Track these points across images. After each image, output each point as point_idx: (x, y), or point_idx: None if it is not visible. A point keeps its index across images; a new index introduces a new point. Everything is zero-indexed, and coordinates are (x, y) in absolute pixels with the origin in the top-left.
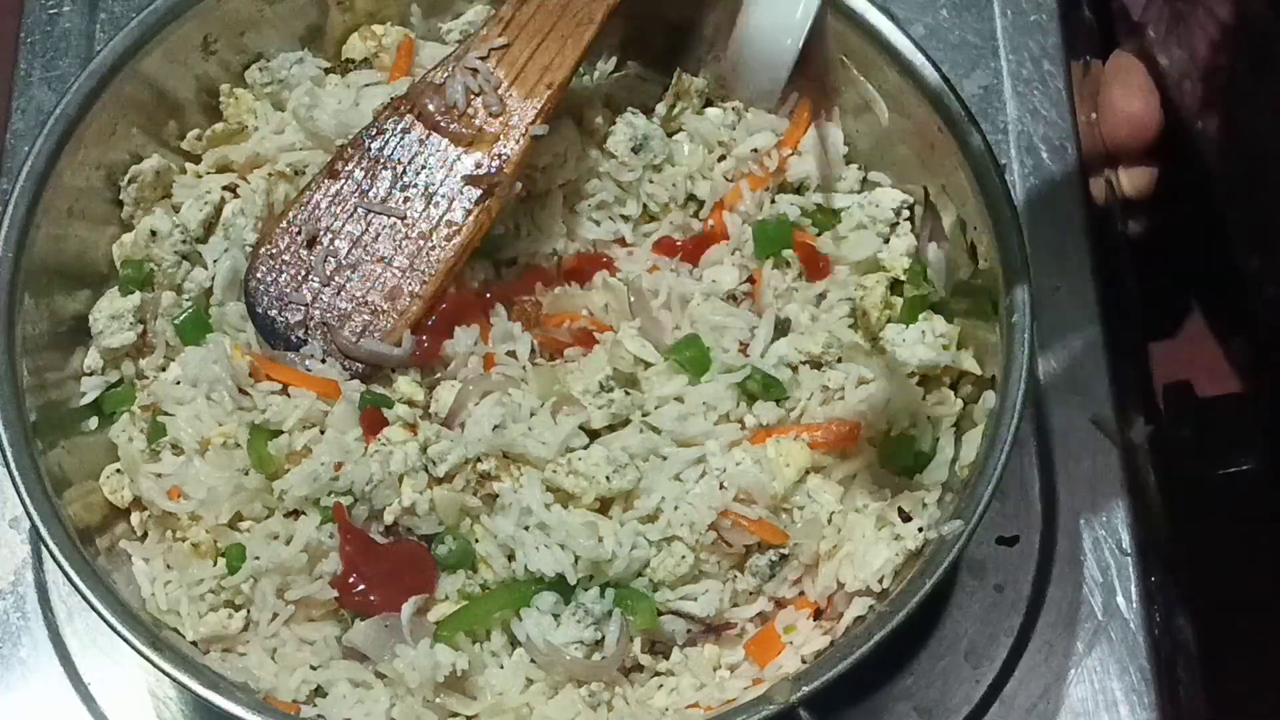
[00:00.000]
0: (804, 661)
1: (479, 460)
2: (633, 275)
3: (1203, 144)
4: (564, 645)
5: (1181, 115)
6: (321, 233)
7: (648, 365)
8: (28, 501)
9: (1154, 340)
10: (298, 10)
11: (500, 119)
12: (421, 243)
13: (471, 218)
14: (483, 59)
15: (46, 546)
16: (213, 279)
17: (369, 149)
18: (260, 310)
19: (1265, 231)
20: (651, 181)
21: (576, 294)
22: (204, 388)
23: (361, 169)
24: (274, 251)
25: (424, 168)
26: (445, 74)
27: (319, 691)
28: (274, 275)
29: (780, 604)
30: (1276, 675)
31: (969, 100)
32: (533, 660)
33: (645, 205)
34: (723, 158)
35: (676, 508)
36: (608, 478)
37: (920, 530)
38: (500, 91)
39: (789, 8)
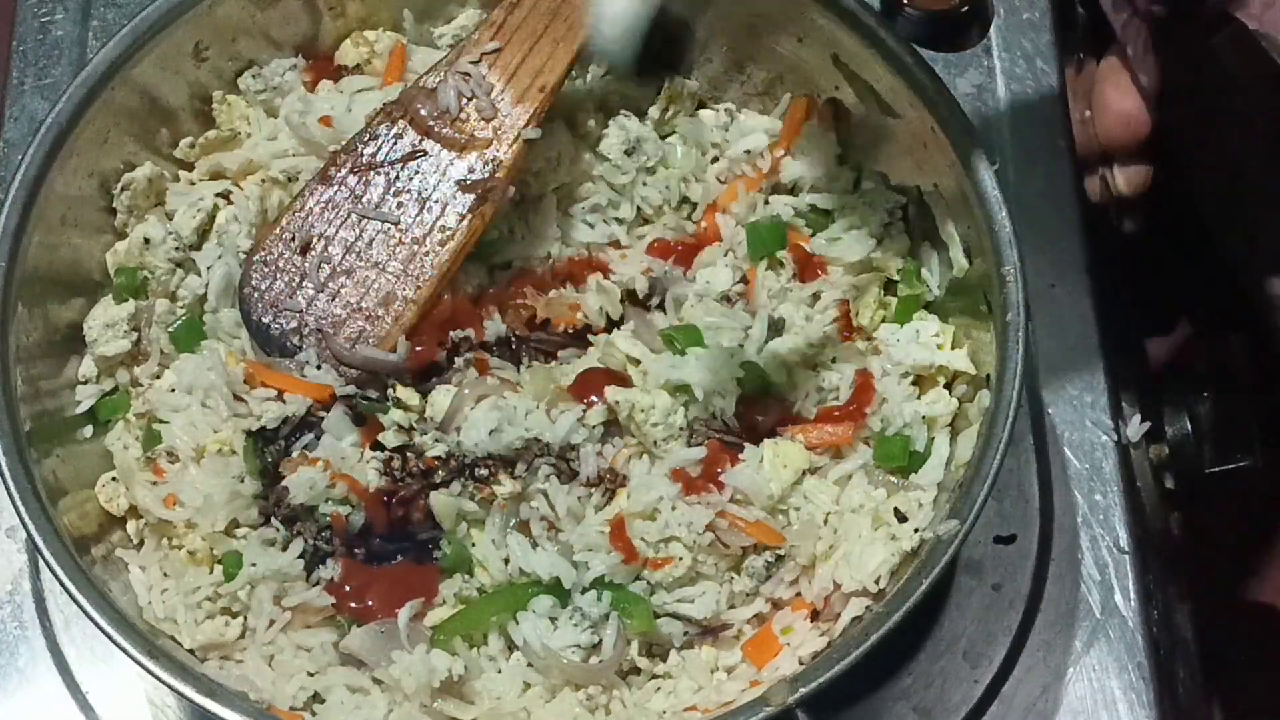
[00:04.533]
0: (801, 663)
1: (476, 465)
2: (627, 278)
3: (1181, 159)
4: (561, 649)
5: (1161, 131)
6: (315, 239)
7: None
8: (23, 511)
9: (1150, 337)
10: (290, 16)
11: (493, 123)
12: (415, 248)
13: (465, 222)
14: (475, 63)
15: (42, 556)
16: (207, 286)
17: (362, 155)
18: (255, 317)
19: (1251, 240)
20: (645, 184)
21: (571, 297)
22: (199, 395)
23: (355, 175)
24: (268, 258)
25: (417, 173)
26: (437, 79)
27: (316, 698)
28: (268, 282)
29: (777, 605)
30: (1276, 673)
31: (962, 99)
32: (530, 664)
33: (639, 208)
34: (716, 159)
35: (674, 508)
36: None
37: (916, 530)
38: (493, 96)
39: None
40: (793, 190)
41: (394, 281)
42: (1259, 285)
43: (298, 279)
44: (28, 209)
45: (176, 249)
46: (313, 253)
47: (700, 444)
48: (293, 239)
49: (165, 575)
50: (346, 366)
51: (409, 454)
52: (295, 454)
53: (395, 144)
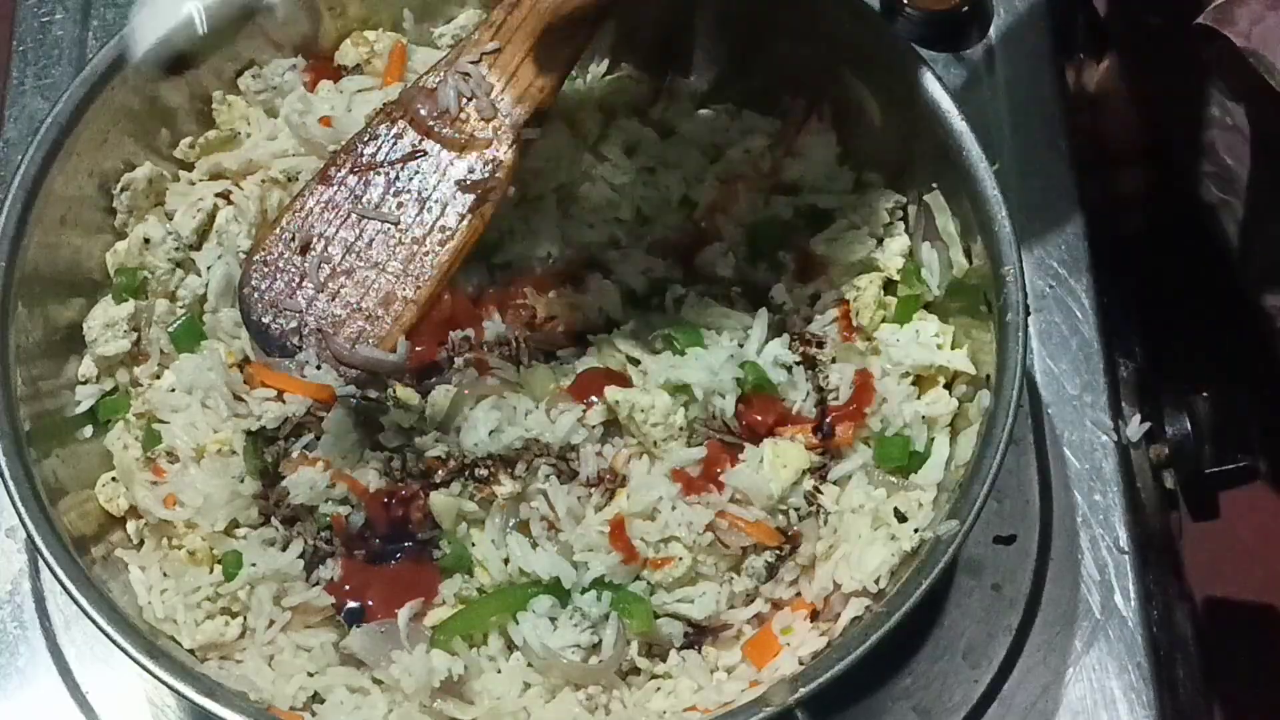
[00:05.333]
0: (801, 663)
1: (476, 465)
2: (627, 278)
3: (1178, 165)
4: (561, 649)
5: (1159, 137)
6: (315, 239)
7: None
8: (23, 511)
9: (1150, 337)
10: (290, 17)
11: (493, 123)
12: (415, 248)
13: (465, 222)
14: (475, 63)
15: (42, 556)
16: (206, 286)
17: (362, 155)
18: (255, 317)
19: (1245, 249)
20: (645, 184)
21: (570, 297)
22: (199, 395)
23: (355, 175)
24: (268, 258)
25: (417, 173)
26: (437, 79)
27: (316, 698)
28: (268, 282)
29: (777, 605)
30: (1275, 673)
31: (962, 99)
32: (530, 664)
33: (639, 208)
34: (716, 159)
35: (674, 508)
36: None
37: (916, 530)
38: (492, 96)
39: None
40: (793, 190)
41: (394, 281)
42: (1254, 293)
43: (297, 279)
44: (28, 209)
45: (176, 249)
46: (313, 253)
47: (700, 444)
48: (292, 239)
49: (165, 575)
50: (346, 366)
51: (409, 454)
52: (295, 454)
53: (395, 144)
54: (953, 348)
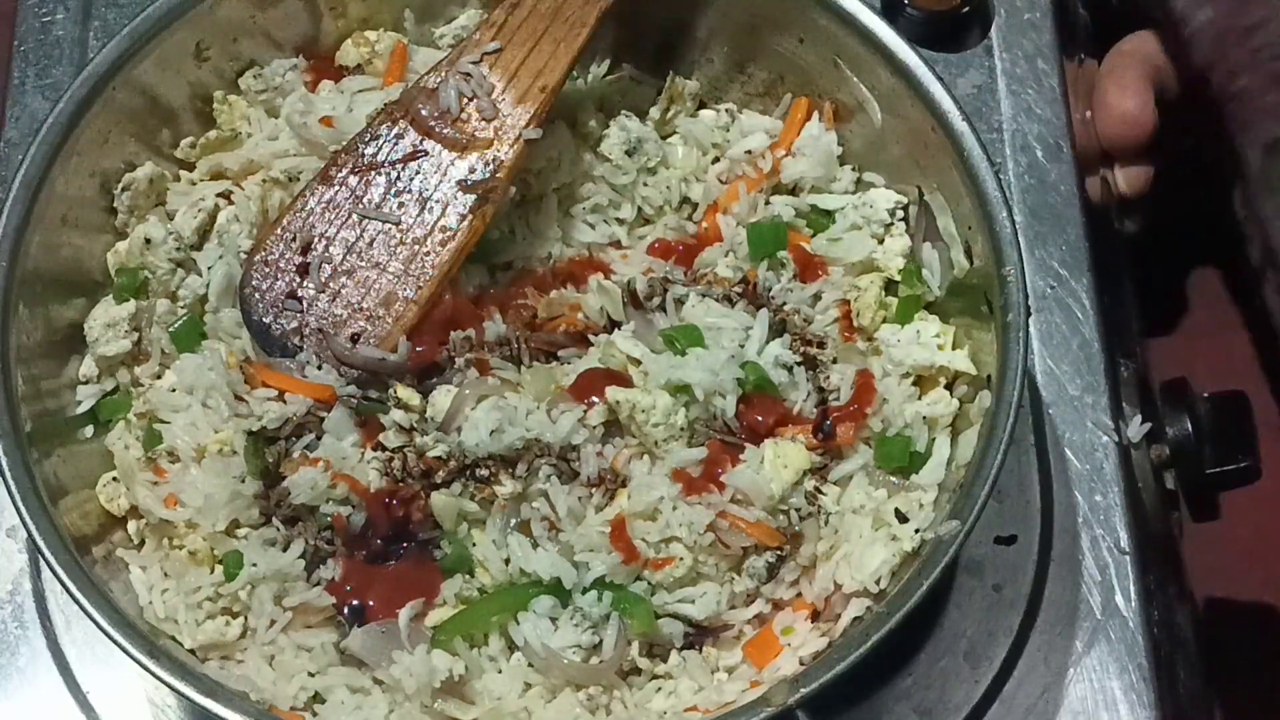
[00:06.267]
0: (802, 663)
1: (476, 465)
2: (627, 278)
3: (1220, 125)
4: (562, 649)
5: (1209, 77)
6: (316, 239)
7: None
8: (24, 511)
9: (1150, 338)
10: (290, 16)
11: (494, 123)
12: (416, 248)
13: (466, 222)
14: (476, 63)
15: (43, 556)
16: (207, 286)
17: (363, 155)
18: (255, 317)
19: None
20: (646, 184)
21: (571, 297)
22: (200, 395)
23: (355, 175)
24: (269, 258)
25: (418, 173)
26: (438, 79)
27: (317, 698)
28: (269, 282)
29: (778, 606)
30: (1275, 673)
31: (963, 100)
32: (531, 664)
33: (640, 208)
34: (717, 160)
35: (675, 508)
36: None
37: (917, 531)
38: (493, 96)
39: None
40: (793, 190)
41: (395, 282)
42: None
43: (298, 279)
44: (29, 209)
45: (177, 249)
46: (313, 253)
47: (701, 444)
48: (293, 239)
49: (166, 575)
50: (347, 366)
51: (410, 454)
52: (296, 454)
53: (396, 144)
54: (953, 348)
